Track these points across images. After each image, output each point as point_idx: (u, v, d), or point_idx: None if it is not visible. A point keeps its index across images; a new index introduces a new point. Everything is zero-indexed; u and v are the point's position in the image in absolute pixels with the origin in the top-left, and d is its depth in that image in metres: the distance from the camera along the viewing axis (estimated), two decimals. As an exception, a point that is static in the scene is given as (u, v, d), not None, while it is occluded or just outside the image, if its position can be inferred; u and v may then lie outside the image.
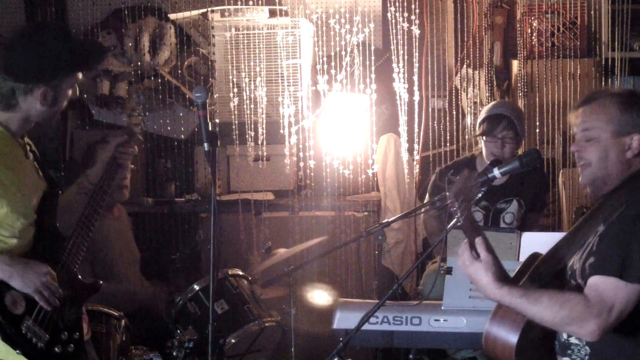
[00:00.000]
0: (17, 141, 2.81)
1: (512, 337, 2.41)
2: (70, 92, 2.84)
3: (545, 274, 2.43)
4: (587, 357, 2.41)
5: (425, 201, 4.41)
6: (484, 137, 4.10)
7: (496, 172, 2.76)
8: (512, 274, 3.23)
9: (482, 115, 4.19)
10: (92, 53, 2.92)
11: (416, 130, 5.17)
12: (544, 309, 2.28)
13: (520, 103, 5.21)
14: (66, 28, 2.86)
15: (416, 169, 5.16)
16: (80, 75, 2.86)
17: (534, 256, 2.56)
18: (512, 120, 4.05)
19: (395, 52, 5.03)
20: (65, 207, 2.99)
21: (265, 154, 5.05)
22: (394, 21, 5.02)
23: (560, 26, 5.29)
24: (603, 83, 5.17)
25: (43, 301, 2.69)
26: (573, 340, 2.44)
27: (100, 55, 3.06)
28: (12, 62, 2.71)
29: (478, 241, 2.37)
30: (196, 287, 3.86)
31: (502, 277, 2.36)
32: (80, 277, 2.91)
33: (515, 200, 4.16)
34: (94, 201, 3.02)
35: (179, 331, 3.73)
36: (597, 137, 2.47)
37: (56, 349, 2.73)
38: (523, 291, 2.32)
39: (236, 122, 5.05)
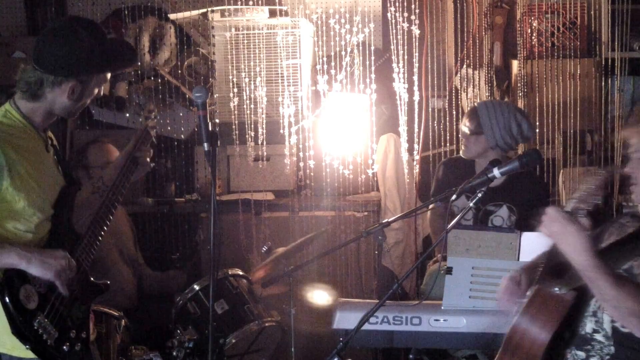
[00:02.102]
0: (40, 134, 2.82)
1: (544, 335, 2.37)
2: (96, 90, 2.86)
3: None
4: (607, 357, 2.40)
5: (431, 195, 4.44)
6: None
7: (496, 171, 2.76)
8: (510, 274, 3.23)
9: None
10: (124, 54, 2.94)
11: (416, 130, 5.17)
12: (626, 294, 2.24)
13: (520, 103, 5.21)
14: (100, 27, 2.90)
15: (416, 169, 5.16)
16: (109, 75, 2.87)
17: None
18: (474, 111, 4.20)
19: (395, 52, 5.03)
20: (79, 207, 3.00)
21: (265, 154, 5.05)
22: (394, 21, 5.02)
23: (560, 26, 5.29)
24: (603, 83, 5.17)
25: (62, 286, 2.69)
26: (598, 337, 2.42)
27: (132, 58, 3.08)
28: (45, 53, 2.74)
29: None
30: (196, 287, 3.86)
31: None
32: (90, 276, 2.91)
33: (505, 206, 4.14)
34: (108, 200, 3.03)
35: (179, 331, 3.73)
36: None
37: (64, 346, 2.73)
38: (610, 270, 2.28)
39: (236, 122, 5.05)
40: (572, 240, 2.27)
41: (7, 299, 2.59)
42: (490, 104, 4.23)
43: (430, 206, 4.26)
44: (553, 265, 2.43)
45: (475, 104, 4.43)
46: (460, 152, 4.26)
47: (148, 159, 3.22)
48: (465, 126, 4.17)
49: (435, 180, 4.43)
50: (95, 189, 3.07)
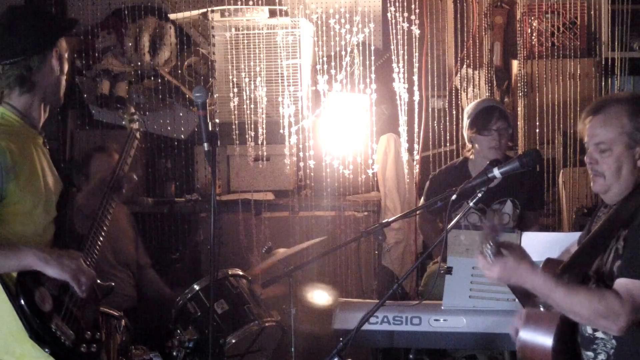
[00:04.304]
0: (39, 135, 2.80)
1: (547, 341, 2.44)
2: (66, 58, 2.84)
3: (572, 280, 2.45)
4: (612, 351, 2.46)
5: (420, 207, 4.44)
6: (479, 134, 4.12)
7: (496, 172, 2.75)
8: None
9: (471, 114, 4.21)
10: (68, 18, 3.00)
11: (416, 130, 5.17)
12: (581, 300, 2.35)
13: (520, 103, 5.22)
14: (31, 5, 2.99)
15: (416, 169, 5.16)
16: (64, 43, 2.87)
17: (551, 261, 2.57)
18: (502, 111, 4.14)
19: (395, 52, 5.03)
20: None
21: (265, 154, 5.05)
22: (394, 21, 5.02)
23: (560, 26, 5.29)
24: (603, 83, 5.17)
25: (79, 287, 2.67)
26: (599, 334, 2.48)
27: (73, 19, 3.21)
28: (19, 40, 2.71)
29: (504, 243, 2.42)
30: (196, 287, 3.85)
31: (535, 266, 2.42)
32: (96, 278, 2.91)
33: (509, 200, 4.16)
34: (105, 201, 3.04)
35: (179, 331, 3.73)
36: (611, 150, 2.50)
37: (82, 348, 2.72)
38: (561, 281, 2.38)
39: (236, 122, 5.05)
40: (510, 274, 2.39)
41: (22, 302, 2.56)
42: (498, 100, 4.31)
43: (418, 212, 4.27)
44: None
45: (493, 103, 4.34)
46: (490, 153, 4.10)
47: (133, 176, 3.25)
48: (500, 125, 4.12)
49: (427, 196, 4.36)
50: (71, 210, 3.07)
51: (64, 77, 2.84)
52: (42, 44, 2.73)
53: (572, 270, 2.46)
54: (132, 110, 3.40)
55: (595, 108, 2.55)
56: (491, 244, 2.36)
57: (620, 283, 2.37)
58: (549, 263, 2.56)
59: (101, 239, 2.97)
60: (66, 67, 2.85)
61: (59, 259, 2.64)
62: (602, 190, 2.56)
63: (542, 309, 2.48)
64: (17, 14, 2.78)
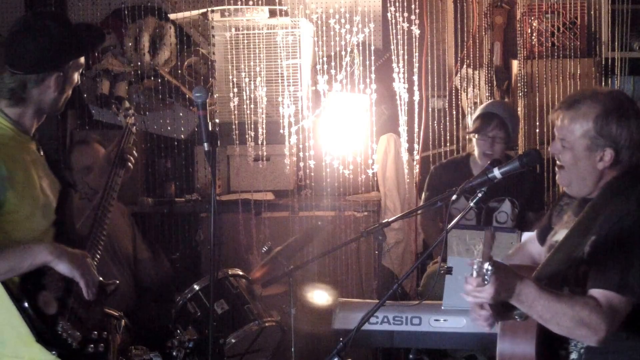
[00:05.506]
0: (32, 139, 2.79)
1: (529, 348, 2.42)
2: (76, 76, 2.83)
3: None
4: (582, 350, 2.46)
5: (422, 200, 4.45)
6: (476, 135, 4.16)
7: (496, 172, 2.75)
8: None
9: (476, 112, 4.28)
10: (92, 35, 2.93)
11: (416, 130, 5.17)
12: (564, 308, 2.29)
13: (520, 103, 5.21)
14: (63, 14, 2.87)
15: (416, 169, 5.16)
16: (83, 59, 2.85)
17: (516, 268, 2.55)
18: (503, 120, 4.14)
19: (395, 52, 5.03)
20: None
21: (265, 154, 5.05)
22: (394, 21, 5.02)
23: (560, 26, 5.29)
24: (603, 83, 5.17)
25: (87, 287, 2.68)
26: None
27: (101, 35, 3.06)
28: (20, 55, 2.69)
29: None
30: (196, 287, 3.86)
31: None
32: (100, 277, 2.91)
33: (507, 199, 4.18)
34: (104, 200, 3.05)
35: (179, 331, 3.73)
36: (571, 147, 2.51)
37: (89, 348, 2.72)
38: (543, 288, 2.32)
39: (236, 122, 5.05)
40: (503, 288, 2.29)
41: (26, 305, 2.56)
42: (505, 104, 4.40)
43: (420, 211, 4.27)
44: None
45: (496, 110, 4.30)
46: (484, 157, 4.16)
47: (133, 160, 3.24)
48: (496, 134, 4.15)
49: (428, 187, 4.40)
50: (83, 194, 3.07)
51: (65, 95, 2.81)
52: (42, 67, 2.70)
53: (544, 278, 2.43)
54: (127, 105, 3.40)
55: (569, 103, 2.53)
56: (489, 265, 2.25)
57: (601, 294, 2.32)
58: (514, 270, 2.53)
59: (103, 237, 2.97)
60: (72, 85, 2.82)
61: (72, 255, 2.66)
62: (563, 182, 2.57)
63: (518, 319, 2.42)
64: (32, 25, 2.74)
